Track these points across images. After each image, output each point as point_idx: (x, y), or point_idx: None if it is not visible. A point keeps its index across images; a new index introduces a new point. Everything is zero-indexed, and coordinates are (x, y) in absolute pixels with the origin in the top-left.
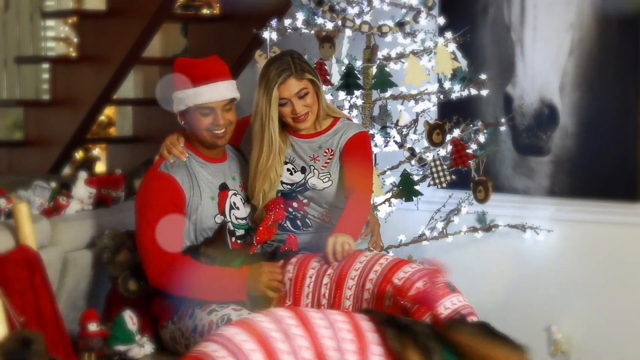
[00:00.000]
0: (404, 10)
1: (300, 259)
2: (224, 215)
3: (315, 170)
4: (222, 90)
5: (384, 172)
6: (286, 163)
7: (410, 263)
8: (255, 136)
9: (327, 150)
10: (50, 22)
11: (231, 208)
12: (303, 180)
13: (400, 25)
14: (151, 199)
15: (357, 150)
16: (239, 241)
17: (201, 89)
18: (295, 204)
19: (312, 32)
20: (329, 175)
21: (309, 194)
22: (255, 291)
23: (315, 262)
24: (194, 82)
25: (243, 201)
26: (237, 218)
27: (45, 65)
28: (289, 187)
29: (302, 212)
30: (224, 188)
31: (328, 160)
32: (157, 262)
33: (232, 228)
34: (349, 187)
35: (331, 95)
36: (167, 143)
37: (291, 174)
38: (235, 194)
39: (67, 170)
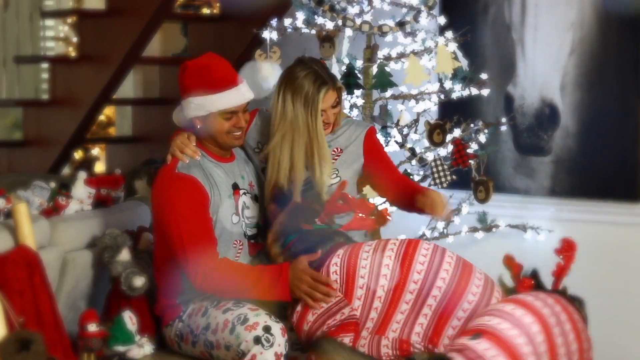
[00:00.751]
0: (404, 10)
1: (349, 249)
2: (239, 215)
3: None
4: (245, 93)
5: None
6: None
7: (475, 272)
8: (297, 148)
9: (335, 149)
10: (49, 22)
11: (243, 208)
12: (309, 179)
13: (401, 24)
14: (178, 202)
15: (379, 147)
16: (251, 241)
17: (226, 94)
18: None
19: (313, 31)
20: (336, 172)
21: (314, 193)
22: (294, 294)
23: (366, 252)
24: (214, 87)
25: (252, 200)
26: (247, 217)
27: (45, 65)
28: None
29: None
30: (235, 187)
31: (336, 158)
32: (198, 266)
33: (244, 229)
34: (395, 181)
35: None
36: (178, 142)
37: None
38: (245, 193)
39: (66, 170)
